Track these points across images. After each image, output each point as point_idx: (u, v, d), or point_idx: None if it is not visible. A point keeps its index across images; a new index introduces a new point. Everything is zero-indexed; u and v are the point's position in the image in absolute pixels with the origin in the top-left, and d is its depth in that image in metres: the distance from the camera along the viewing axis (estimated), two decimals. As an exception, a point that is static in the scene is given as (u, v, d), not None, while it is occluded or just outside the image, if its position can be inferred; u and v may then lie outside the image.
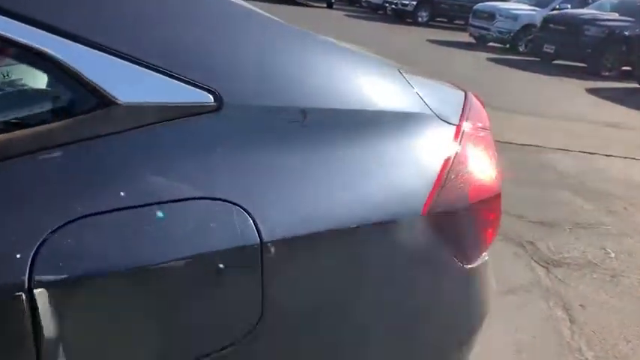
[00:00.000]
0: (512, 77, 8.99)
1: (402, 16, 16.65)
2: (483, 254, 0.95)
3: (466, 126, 0.92)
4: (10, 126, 0.60)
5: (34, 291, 0.52)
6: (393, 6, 16.76)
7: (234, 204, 0.63)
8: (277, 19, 0.83)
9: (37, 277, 0.52)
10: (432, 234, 0.81)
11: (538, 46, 10.91)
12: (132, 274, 0.57)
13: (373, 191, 0.76)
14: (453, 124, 0.90)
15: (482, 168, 0.91)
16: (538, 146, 4.83)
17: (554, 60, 10.72)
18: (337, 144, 0.76)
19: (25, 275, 0.52)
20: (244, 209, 0.63)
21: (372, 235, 0.75)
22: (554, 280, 2.57)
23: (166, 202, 0.61)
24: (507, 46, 12.38)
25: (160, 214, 0.60)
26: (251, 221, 0.63)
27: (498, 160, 0.96)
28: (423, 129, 0.87)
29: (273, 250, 0.64)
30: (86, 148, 0.60)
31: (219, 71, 0.70)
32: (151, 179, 0.62)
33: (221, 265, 0.62)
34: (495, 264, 2.65)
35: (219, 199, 0.63)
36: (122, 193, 0.60)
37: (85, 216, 0.57)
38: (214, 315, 0.63)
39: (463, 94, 1.02)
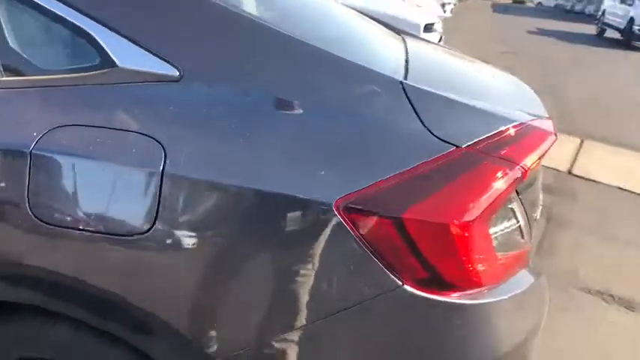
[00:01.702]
0: None
1: None
2: (457, 294, 0.87)
3: (473, 152, 0.88)
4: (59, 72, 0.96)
5: (33, 153, 0.89)
6: None
7: (158, 142, 0.85)
8: (258, 20, 1.02)
9: (36, 148, 0.89)
10: (346, 229, 0.82)
11: None
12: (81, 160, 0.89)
13: (293, 169, 0.85)
14: (451, 144, 0.87)
15: (453, 194, 0.85)
16: None
17: None
18: (276, 122, 0.89)
19: (30, 146, 0.89)
20: (163, 147, 0.85)
21: (268, 205, 0.85)
22: None
23: (115, 129, 0.88)
24: None
25: (107, 135, 0.88)
26: (163, 156, 0.84)
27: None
28: (397, 136, 0.89)
29: (170, 180, 0.84)
30: (90, 88, 0.92)
31: (186, 55, 0.93)
32: (115, 113, 0.90)
33: (128, 178, 0.88)
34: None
35: (149, 136, 0.86)
36: (96, 117, 0.90)
37: (70, 125, 0.90)
38: (120, 208, 0.89)
39: (514, 124, 0.95)
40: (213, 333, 0.89)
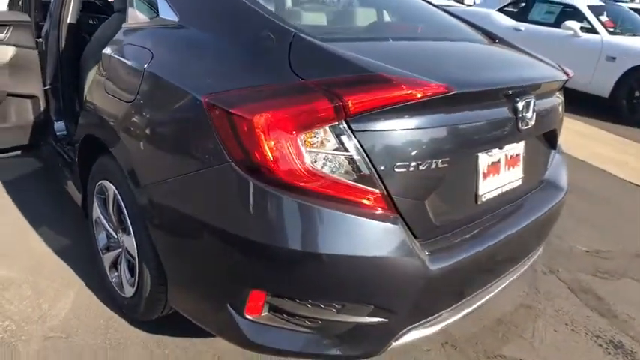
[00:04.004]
0: None
1: None
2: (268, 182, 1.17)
3: (311, 84, 1.18)
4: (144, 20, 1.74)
5: (104, 54, 1.77)
6: None
7: (150, 51, 1.49)
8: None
9: (107, 51, 1.77)
10: (206, 117, 1.23)
11: None
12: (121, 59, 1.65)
13: (196, 75, 1.37)
14: (299, 77, 1.20)
15: (271, 104, 1.17)
16: None
17: None
18: (204, 51, 1.44)
19: (109, 52, 1.80)
20: (152, 54, 1.48)
21: (175, 92, 1.38)
22: None
23: (139, 46, 1.59)
24: None
25: (135, 49, 1.61)
26: (150, 58, 1.48)
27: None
28: (263, 66, 1.29)
29: (148, 73, 1.47)
30: (145, 28, 1.68)
31: (184, 11, 1.55)
32: (143, 39, 1.61)
33: (132, 70, 1.54)
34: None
35: (150, 50, 1.51)
36: (136, 40, 1.65)
37: (126, 44, 1.68)
38: (126, 86, 1.57)
39: (364, 73, 1.19)
40: (135, 157, 1.50)
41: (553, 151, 1.88)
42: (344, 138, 1.17)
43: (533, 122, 1.53)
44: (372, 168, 1.20)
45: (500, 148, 1.49)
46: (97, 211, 1.90)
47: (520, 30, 6.60)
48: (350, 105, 1.13)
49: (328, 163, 1.18)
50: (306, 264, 1.20)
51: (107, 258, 1.89)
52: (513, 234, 1.52)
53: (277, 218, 1.18)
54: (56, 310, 1.87)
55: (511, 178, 1.60)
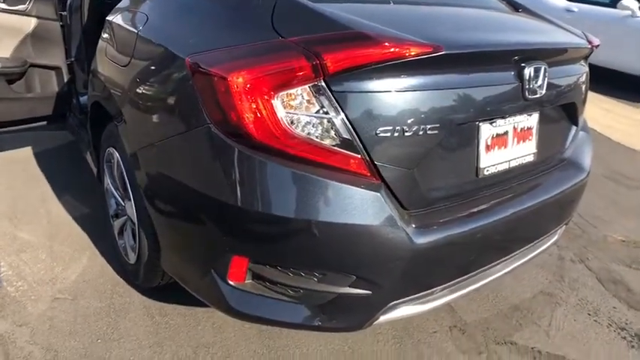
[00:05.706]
0: None
1: None
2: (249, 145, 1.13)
3: (290, 42, 1.14)
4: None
5: (108, 20, 1.80)
6: None
7: (146, 15, 1.50)
8: None
9: (109, 19, 1.79)
10: (189, 77, 1.22)
11: None
12: (121, 25, 1.66)
13: (181, 37, 1.37)
14: (280, 35, 1.17)
15: (248, 63, 1.13)
16: None
17: None
18: (190, 14, 1.44)
19: (110, 18, 1.83)
20: (147, 17, 1.50)
21: (162, 52, 1.39)
22: None
23: (138, 11, 1.58)
24: None
25: (135, 14, 1.59)
26: (144, 23, 1.49)
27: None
28: (247, 27, 1.26)
29: (140, 37, 1.49)
30: None
31: None
32: (143, 4, 1.60)
33: (130, 33, 1.55)
34: None
35: (144, 13, 1.52)
36: (138, 7, 1.62)
37: (128, 10, 1.67)
38: (123, 49, 1.58)
39: (348, 32, 1.13)
40: (130, 122, 1.52)
41: (574, 128, 1.73)
42: (323, 99, 1.12)
43: (543, 91, 1.41)
44: (352, 131, 1.13)
45: (504, 118, 1.39)
46: (107, 179, 1.95)
47: (573, 11, 6.17)
48: (328, 63, 1.07)
49: (307, 126, 1.13)
50: (282, 230, 1.16)
51: (116, 225, 1.93)
52: (520, 213, 1.42)
53: (253, 182, 1.14)
54: (67, 273, 1.93)
55: (521, 152, 1.49)
